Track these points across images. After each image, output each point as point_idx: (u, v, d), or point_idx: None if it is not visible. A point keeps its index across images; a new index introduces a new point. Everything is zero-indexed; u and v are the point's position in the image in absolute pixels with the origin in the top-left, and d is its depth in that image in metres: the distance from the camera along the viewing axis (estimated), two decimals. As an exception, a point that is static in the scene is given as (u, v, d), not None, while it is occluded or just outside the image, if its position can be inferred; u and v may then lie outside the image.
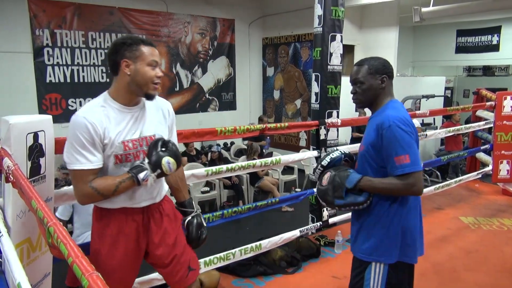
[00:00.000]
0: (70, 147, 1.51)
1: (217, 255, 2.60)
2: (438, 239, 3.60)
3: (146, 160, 1.57)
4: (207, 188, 5.36)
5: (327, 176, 1.70)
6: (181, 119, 7.04)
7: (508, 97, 4.49)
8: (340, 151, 1.80)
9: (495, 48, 9.79)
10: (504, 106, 4.49)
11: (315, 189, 3.30)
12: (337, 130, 3.90)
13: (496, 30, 9.71)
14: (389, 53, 7.80)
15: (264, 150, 6.72)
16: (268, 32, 8.29)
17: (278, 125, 3.08)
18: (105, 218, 1.66)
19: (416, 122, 6.16)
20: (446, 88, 10.43)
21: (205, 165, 5.54)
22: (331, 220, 3.50)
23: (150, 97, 1.61)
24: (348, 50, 8.03)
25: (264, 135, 6.69)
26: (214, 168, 2.66)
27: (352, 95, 1.75)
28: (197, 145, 6.83)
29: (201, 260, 2.50)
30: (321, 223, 3.42)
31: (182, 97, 7.22)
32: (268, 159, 3.07)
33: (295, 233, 3.12)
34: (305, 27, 7.19)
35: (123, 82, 1.57)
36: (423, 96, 7.15)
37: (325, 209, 3.48)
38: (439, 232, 3.73)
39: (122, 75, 1.56)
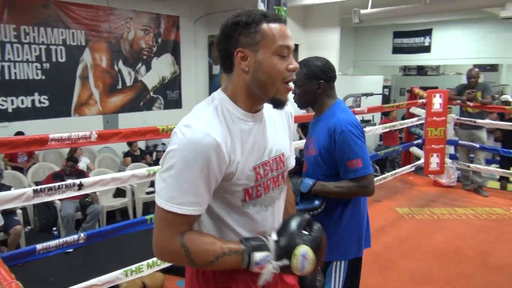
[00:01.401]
0: (172, 176, 0.97)
1: (161, 256, 2.56)
2: (376, 229, 3.79)
3: (274, 237, 1.05)
4: (152, 189, 5.24)
5: None
6: (124, 118, 6.88)
7: (437, 95, 4.83)
8: None
9: (427, 49, 10.49)
10: (433, 104, 4.82)
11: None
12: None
13: (428, 33, 10.40)
14: (332, 52, 8.08)
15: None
16: (214, 29, 8.24)
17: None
18: (226, 278, 1.10)
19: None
20: (384, 87, 11.02)
21: (150, 165, 5.41)
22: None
23: (279, 104, 1.08)
24: (294, 49, 8.18)
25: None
26: (156, 168, 2.61)
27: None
28: (142, 144, 6.66)
29: (144, 263, 2.44)
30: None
31: (125, 95, 6.99)
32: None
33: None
34: (250, 25, 7.24)
35: (241, 83, 1.05)
36: (363, 94, 7.50)
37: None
38: (377, 223, 3.94)
39: (238, 73, 1.05)
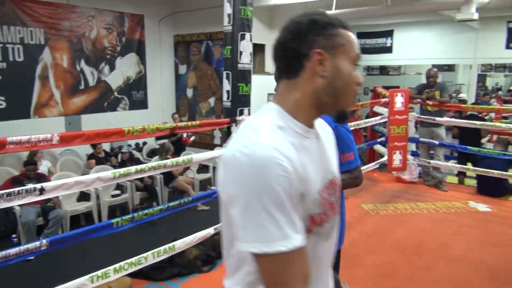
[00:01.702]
0: (254, 211, 0.79)
1: (128, 261, 2.51)
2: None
3: None
4: (118, 192, 5.11)
5: None
6: (88, 120, 6.67)
7: (399, 94, 5.00)
8: None
9: (389, 50, 10.85)
10: (395, 102, 4.99)
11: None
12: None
13: (390, 34, 10.76)
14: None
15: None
16: (179, 29, 8.14)
17: (189, 123, 3.06)
18: None
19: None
20: (349, 86, 11.27)
21: (114, 167, 5.28)
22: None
23: (344, 118, 0.97)
24: (259, 49, 8.26)
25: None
26: (122, 170, 2.55)
27: None
28: (106, 146, 6.48)
29: (111, 268, 2.39)
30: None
31: (87, 96, 6.78)
32: (180, 158, 3.03)
33: (209, 231, 3.14)
34: (217, 25, 7.20)
35: (309, 90, 0.91)
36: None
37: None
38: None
39: (308, 78, 0.90)
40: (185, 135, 6.69)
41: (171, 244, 2.81)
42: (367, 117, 6.63)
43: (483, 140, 6.29)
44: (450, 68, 13.14)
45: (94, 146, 5.61)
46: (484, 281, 2.93)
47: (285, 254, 0.79)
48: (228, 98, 3.90)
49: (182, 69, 8.19)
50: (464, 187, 5.48)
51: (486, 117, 7.76)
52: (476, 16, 5.75)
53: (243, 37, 3.82)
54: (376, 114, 5.64)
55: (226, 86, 3.91)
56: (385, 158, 5.25)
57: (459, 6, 5.82)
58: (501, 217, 4.22)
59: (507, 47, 9.47)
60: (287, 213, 0.79)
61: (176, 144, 6.15)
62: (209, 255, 3.22)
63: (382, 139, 5.41)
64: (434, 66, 7.52)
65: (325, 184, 0.94)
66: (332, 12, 6.90)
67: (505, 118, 8.92)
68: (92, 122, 6.48)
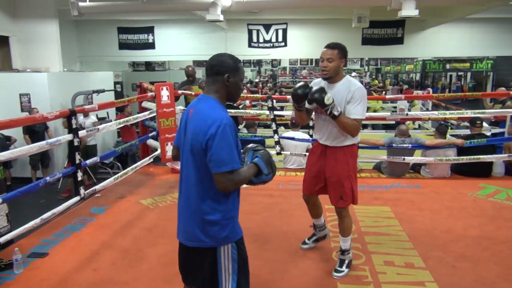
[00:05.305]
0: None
1: None
2: (123, 225, 3.81)
3: None
4: None
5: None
6: None
7: (164, 88, 5.20)
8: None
9: (152, 46, 11.08)
10: (162, 96, 5.16)
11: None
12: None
13: (151, 30, 10.98)
14: (51, 46, 7.39)
15: None
16: None
17: None
18: None
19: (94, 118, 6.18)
20: (116, 83, 10.97)
21: None
22: (3, 239, 3.03)
23: None
24: (2, 42, 7.05)
25: None
26: None
27: None
28: None
29: None
30: (-11, 246, 2.91)
31: None
32: None
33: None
34: None
35: None
36: (94, 91, 7.22)
37: (-8, 228, 2.96)
38: (123, 218, 3.95)
39: None
40: None
41: None
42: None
43: (240, 126, 7.29)
44: (208, 63, 14.46)
45: None
46: (249, 245, 3.42)
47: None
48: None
49: None
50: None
51: (240, 106, 9.03)
52: (221, 17, 6.53)
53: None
54: (144, 109, 5.70)
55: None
56: (158, 151, 5.39)
57: (207, 8, 6.48)
58: (258, 189, 5.00)
59: (249, 45, 11.20)
60: None
61: None
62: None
63: (154, 133, 5.53)
64: (194, 62, 8.17)
65: None
66: (86, 4, 6.50)
67: (254, 106, 10.62)
68: None
